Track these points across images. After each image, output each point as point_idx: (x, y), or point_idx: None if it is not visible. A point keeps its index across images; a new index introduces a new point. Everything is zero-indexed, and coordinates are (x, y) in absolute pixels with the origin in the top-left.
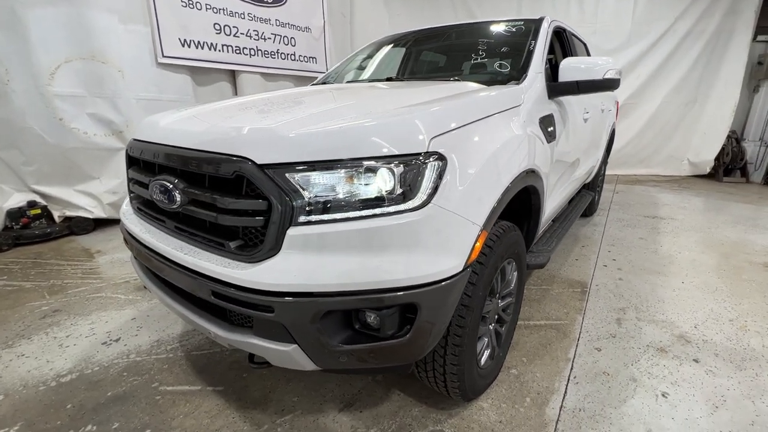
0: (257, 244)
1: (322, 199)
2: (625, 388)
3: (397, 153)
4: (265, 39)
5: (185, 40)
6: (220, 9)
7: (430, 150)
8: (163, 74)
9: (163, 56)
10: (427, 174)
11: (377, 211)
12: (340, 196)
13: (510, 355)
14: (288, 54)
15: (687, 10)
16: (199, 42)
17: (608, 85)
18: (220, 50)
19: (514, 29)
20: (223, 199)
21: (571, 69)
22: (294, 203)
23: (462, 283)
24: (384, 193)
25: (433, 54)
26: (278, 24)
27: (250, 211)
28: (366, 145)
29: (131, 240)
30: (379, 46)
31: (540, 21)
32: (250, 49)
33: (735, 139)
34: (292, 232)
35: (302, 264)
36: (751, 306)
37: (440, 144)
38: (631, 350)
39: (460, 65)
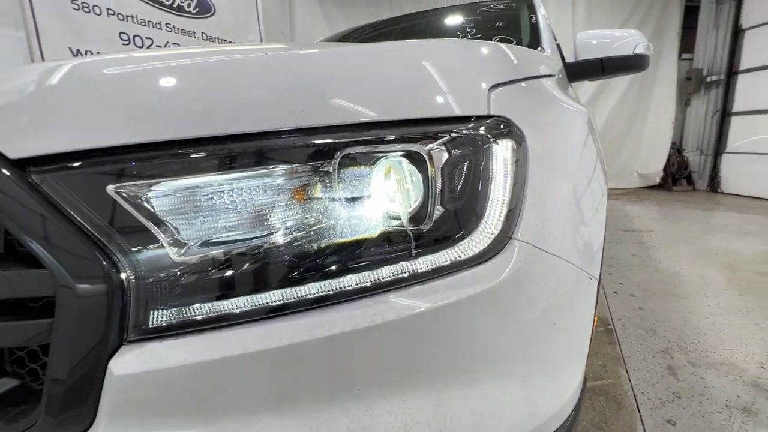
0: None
1: (218, 253)
2: None
3: (419, 116)
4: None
5: (79, 51)
6: (127, 16)
7: (493, 113)
8: None
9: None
10: (498, 167)
11: (385, 274)
12: (277, 237)
13: None
14: None
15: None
16: (99, 53)
17: (638, 63)
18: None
19: (502, 6)
20: None
21: (591, 44)
22: (129, 272)
23: (579, 415)
24: (403, 221)
25: (412, 37)
26: (206, 38)
27: (18, 306)
28: (341, 96)
29: None
30: (346, 36)
31: None
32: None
33: (677, 150)
34: (123, 365)
35: None
36: None
37: (504, 104)
38: (712, 418)
39: None
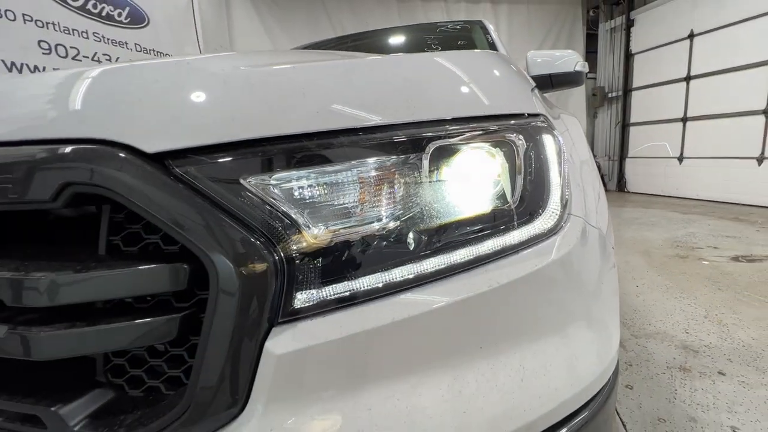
0: (154, 401)
1: (349, 235)
2: None
3: (493, 113)
4: None
5: None
6: (48, 23)
7: (538, 111)
8: None
9: None
10: (553, 154)
11: (488, 246)
12: (396, 222)
13: None
14: None
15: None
16: (14, 63)
17: (578, 78)
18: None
19: (458, 27)
20: (33, 278)
21: (540, 62)
22: (279, 256)
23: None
24: (501, 201)
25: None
26: (140, 49)
27: (122, 309)
28: (439, 95)
29: None
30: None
31: (480, 21)
32: None
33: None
34: (280, 344)
35: None
36: (706, 298)
37: (539, 104)
38: (658, 378)
39: None
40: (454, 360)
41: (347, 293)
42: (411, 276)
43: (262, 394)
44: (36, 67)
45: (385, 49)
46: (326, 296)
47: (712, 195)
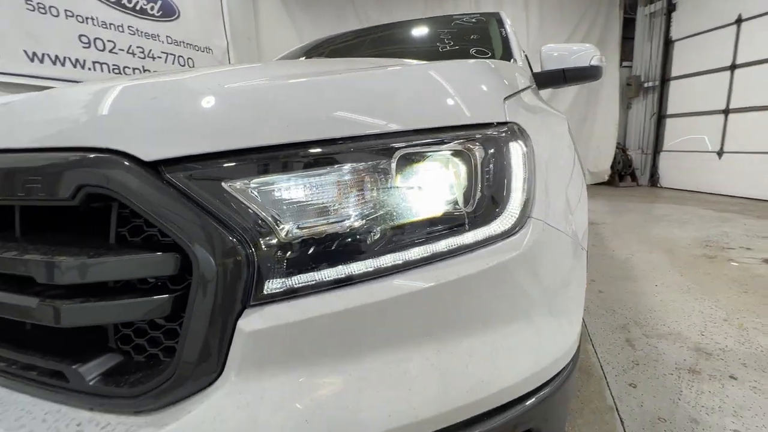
0: (153, 364)
1: (315, 232)
2: None
3: (457, 123)
4: (154, 58)
5: (35, 54)
6: (87, 18)
7: (508, 119)
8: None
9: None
10: (517, 161)
11: (442, 246)
12: (358, 220)
13: None
14: None
15: (569, 39)
16: (57, 57)
17: (594, 73)
18: (90, 68)
19: (474, 20)
20: (55, 261)
21: (554, 56)
22: (251, 249)
23: (578, 359)
24: (455, 205)
25: (387, 48)
26: (171, 41)
27: (127, 288)
28: (398, 108)
29: None
30: (308, 50)
31: (498, 13)
32: (134, 68)
33: (622, 149)
34: (251, 323)
35: (288, 408)
36: (729, 301)
37: (514, 111)
38: (665, 379)
39: (425, 56)
40: (403, 345)
41: (311, 283)
42: (370, 270)
43: (234, 364)
44: (77, 61)
45: (396, 44)
46: (292, 285)
47: (752, 192)
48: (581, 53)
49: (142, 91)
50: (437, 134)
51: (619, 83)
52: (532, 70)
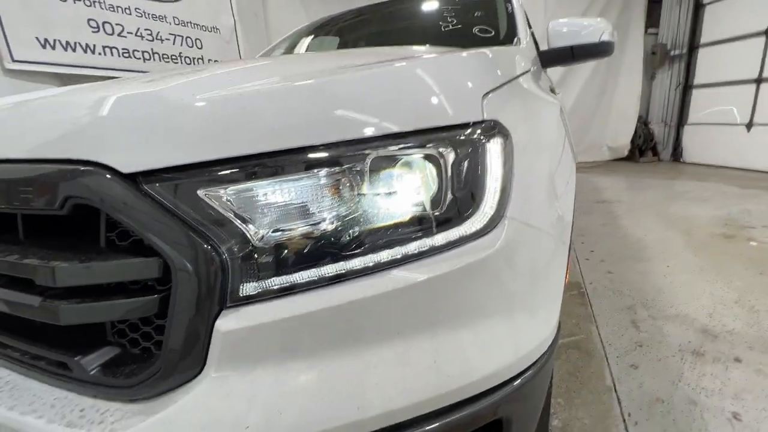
0: (146, 357)
1: (287, 238)
2: (689, 416)
3: (430, 126)
4: (162, 40)
5: (47, 40)
6: (94, 2)
7: (486, 118)
8: (16, 84)
9: (13, 60)
10: (492, 161)
11: (413, 248)
12: (328, 224)
13: None
14: (194, 58)
15: (589, 7)
16: (68, 42)
17: (604, 50)
18: (100, 53)
19: None
20: (51, 265)
21: (562, 32)
22: (225, 255)
23: (554, 353)
24: (424, 208)
25: (392, 26)
26: (178, 23)
27: (120, 288)
28: (368, 113)
29: None
30: (314, 28)
31: None
32: (143, 51)
33: (644, 122)
34: (227, 323)
35: (263, 400)
36: (743, 282)
37: (494, 107)
38: (667, 360)
39: (429, 34)
40: (373, 342)
41: (284, 285)
42: (341, 272)
43: (214, 360)
44: (87, 46)
45: (400, 21)
46: (266, 288)
47: None
48: (591, 28)
49: (121, 103)
50: (409, 138)
51: (643, 52)
52: (538, 49)
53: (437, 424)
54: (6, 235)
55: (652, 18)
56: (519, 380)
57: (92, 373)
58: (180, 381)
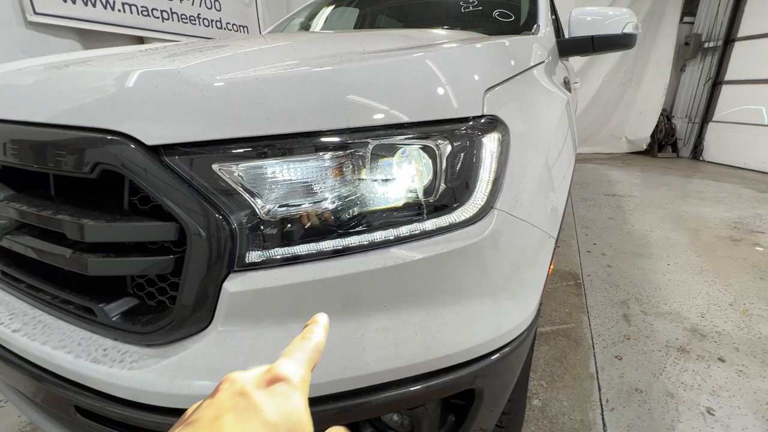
0: (161, 309)
1: (291, 213)
2: (665, 407)
3: (431, 118)
4: (181, 0)
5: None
6: None
7: (485, 113)
8: (37, 37)
9: (35, 13)
10: (486, 155)
11: (404, 231)
12: (329, 203)
13: None
14: (212, 20)
15: None
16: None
17: (626, 42)
18: (120, 10)
19: None
20: (81, 222)
21: (585, 21)
22: (234, 225)
23: (532, 335)
24: (417, 195)
25: (412, 1)
26: None
27: (141, 247)
28: (374, 103)
29: None
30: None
31: None
32: (162, 11)
33: (666, 116)
34: (234, 285)
35: (262, 353)
36: (741, 286)
37: (495, 102)
38: (652, 354)
39: (449, 14)
40: (363, 312)
41: (286, 256)
42: (338, 248)
43: (221, 316)
44: (107, 2)
45: (418, 8)
46: (270, 257)
47: None
48: (615, 18)
49: (147, 79)
50: (410, 129)
51: (676, 42)
52: (560, 36)
53: (419, 386)
54: (38, 191)
55: (691, 5)
56: (496, 355)
57: (114, 318)
58: (190, 332)
